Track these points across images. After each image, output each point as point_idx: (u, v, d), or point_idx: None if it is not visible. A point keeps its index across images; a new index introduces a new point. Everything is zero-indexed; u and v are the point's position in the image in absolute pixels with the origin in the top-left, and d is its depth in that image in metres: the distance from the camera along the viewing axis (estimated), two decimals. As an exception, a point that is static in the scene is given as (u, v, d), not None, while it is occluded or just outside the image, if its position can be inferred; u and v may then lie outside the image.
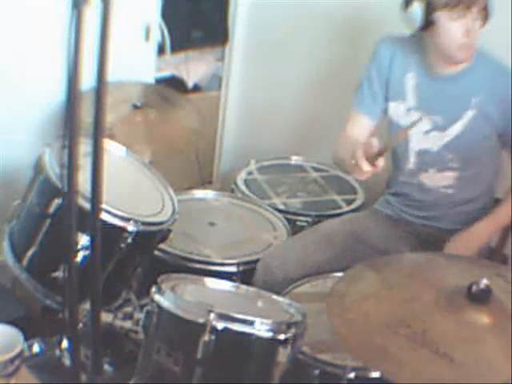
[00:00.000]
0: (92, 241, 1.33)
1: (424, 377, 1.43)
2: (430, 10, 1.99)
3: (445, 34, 2.00)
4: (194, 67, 3.27)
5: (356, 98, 2.28)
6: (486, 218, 2.15)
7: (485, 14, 2.00)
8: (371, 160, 1.89)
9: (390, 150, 2.28)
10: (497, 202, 2.23)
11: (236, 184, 2.77)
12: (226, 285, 1.95)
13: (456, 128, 2.13)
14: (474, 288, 1.52)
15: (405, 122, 2.19)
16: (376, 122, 2.27)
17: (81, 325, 1.77)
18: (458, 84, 2.11)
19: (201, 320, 1.64)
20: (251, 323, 1.65)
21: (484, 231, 2.15)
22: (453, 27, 1.98)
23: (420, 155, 2.21)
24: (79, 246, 1.77)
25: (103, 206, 1.70)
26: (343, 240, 2.24)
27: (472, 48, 2.03)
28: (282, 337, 1.67)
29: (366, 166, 1.89)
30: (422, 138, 2.18)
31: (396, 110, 2.22)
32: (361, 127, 2.25)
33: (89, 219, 1.30)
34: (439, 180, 2.21)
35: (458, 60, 2.06)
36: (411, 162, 2.23)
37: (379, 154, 1.88)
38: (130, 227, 1.95)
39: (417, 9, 2.00)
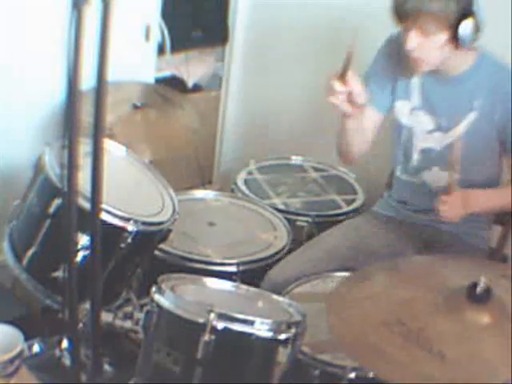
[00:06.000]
0: (92, 241, 1.33)
1: (414, 376, 1.42)
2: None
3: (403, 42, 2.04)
4: (193, 67, 3.27)
5: None
6: (490, 190, 2.15)
7: (449, 33, 1.97)
8: (342, 79, 1.96)
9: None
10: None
11: (236, 184, 2.76)
12: (226, 285, 1.95)
13: (459, 130, 2.13)
14: (474, 288, 1.52)
15: (408, 121, 2.20)
16: (384, 114, 2.25)
17: (81, 325, 1.78)
18: (461, 86, 2.11)
19: (201, 320, 1.64)
20: (251, 323, 1.65)
21: (482, 200, 2.12)
22: (404, 36, 2.01)
23: (424, 153, 2.21)
24: (79, 246, 1.77)
25: (103, 206, 1.70)
26: (345, 253, 2.22)
27: (423, 63, 2.04)
28: (282, 337, 1.67)
29: (339, 86, 1.96)
30: (426, 137, 2.19)
31: (401, 109, 2.22)
32: (368, 119, 2.21)
33: (89, 219, 1.30)
34: (441, 180, 2.20)
35: (413, 70, 2.09)
36: (415, 159, 2.24)
37: (345, 68, 1.95)
38: (130, 227, 1.95)
39: None
